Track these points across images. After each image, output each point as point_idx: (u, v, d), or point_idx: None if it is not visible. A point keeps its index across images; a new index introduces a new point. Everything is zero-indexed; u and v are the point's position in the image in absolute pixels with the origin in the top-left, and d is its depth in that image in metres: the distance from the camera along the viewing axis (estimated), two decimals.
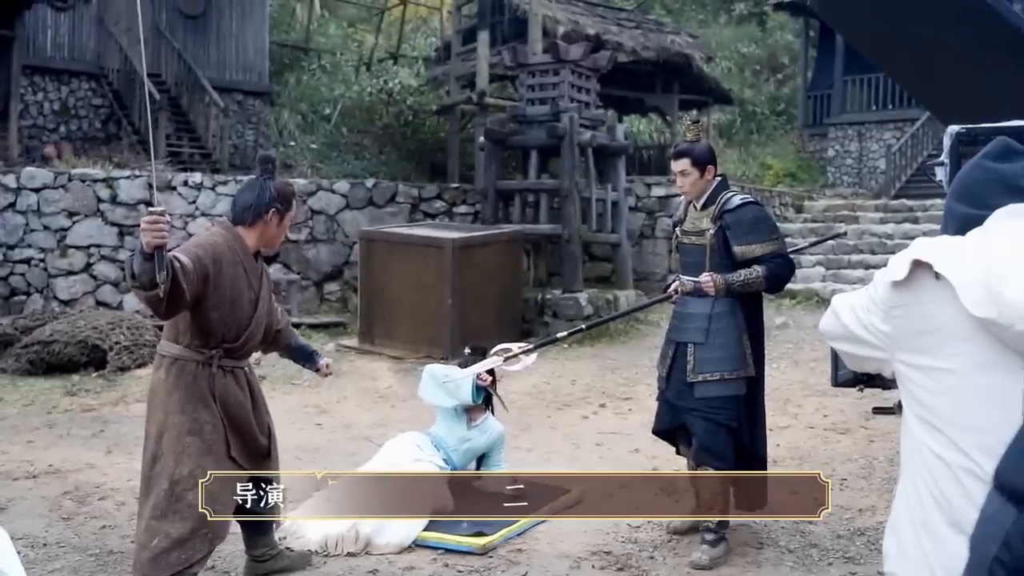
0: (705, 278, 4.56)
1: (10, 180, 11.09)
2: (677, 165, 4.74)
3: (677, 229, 4.93)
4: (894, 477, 5.92)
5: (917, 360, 1.81)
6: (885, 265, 1.89)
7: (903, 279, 1.80)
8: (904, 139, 19.47)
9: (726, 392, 4.59)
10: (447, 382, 5.48)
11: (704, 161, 4.69)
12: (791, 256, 4.73)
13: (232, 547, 4.82)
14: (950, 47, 4.13)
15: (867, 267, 13.38)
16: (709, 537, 4.55)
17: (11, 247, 11.02)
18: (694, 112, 22.96)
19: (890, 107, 21.32)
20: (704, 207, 4.74)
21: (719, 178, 4.78)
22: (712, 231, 4.65)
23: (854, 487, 5.85)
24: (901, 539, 1.81)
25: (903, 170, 18.89)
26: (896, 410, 2.33)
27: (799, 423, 7.47)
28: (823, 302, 12.39)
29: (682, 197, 4.93)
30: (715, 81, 19.90)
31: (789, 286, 12.98)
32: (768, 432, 7.15)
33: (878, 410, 2.97)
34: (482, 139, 12.81)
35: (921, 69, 4.63)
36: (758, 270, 4.50)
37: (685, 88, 19.31)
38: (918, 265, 1.79)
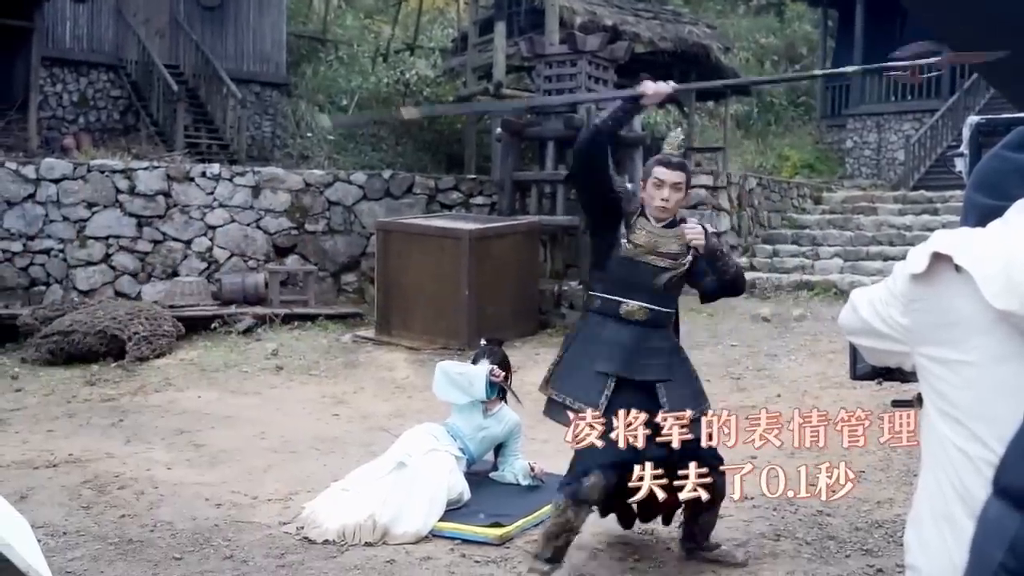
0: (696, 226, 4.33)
1: (30, 171, 11.15)
2: (673, 176, 4.29)
3: (625, 241, 4.30)
4: (912, 470, 5.90)
5: (938, 353, 1.80)
6: (904, 257, 1.88)
7: (923, 272, 1.79)
8: (923, 130, 19.35)
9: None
10: (460, 378, 5.50)
11: (690, 181, 4.48)
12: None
13: (248, 536, 4.85)
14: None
15: (885, 259, 13.30)
16: None
17: (31, 238, 11.08)
18: (711, 103, 22.89)
19: (909, 98, 21.20)
20: (669, 226, 4.34)
21: None
22: (688, 258, 4.32)
23: (872, 479, 5.82)
24: (922, 532, 1.80)
25: (922, 161, 18.78)
26: (915, 403, 2.32)
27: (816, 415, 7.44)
28: (841, 294, 12.33)
29: (639, 207, 4.39)
30: (733, 72, 19.81)
31: (807, 277, 13.06)
32: (786, 423, 7.17)
33: (897, 403, 2.95)
34: (499, 130, 12.79)
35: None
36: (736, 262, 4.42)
37: (702, 79, 19.23)
38: (938, 257, 1.77)
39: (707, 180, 13.62)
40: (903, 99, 21.36)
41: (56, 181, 11.23)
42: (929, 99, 20.53)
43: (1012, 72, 4.20)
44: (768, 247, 14.50)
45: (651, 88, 4.11)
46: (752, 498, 5.48)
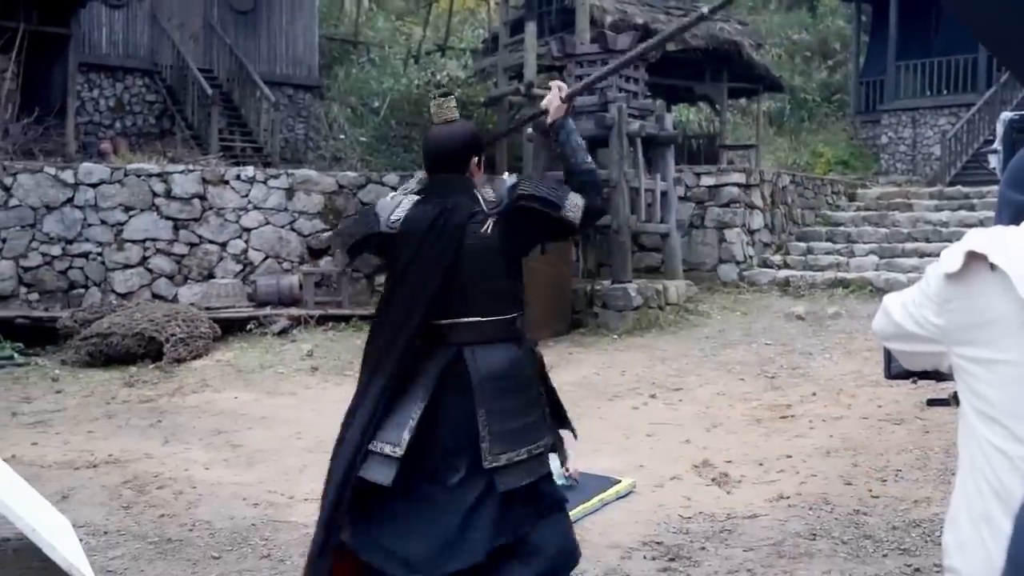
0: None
1: (68, 176, 11.30)
2: None
3: None
4: (950, 468, 5.85)
5: (974, 353, 1.79)
6: (939, 254, 1.87)
7: (957, 271, 1.78)
8: (959, 125, 19.13)
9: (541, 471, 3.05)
10: None
11: None
12: None
13: (286, 535, 4.90)
14: None
15: (921, 255, 13.17)
16: None
17: (70, 241, 11.24)
18: (743, 100, 22.76)
19: (945, 92, 20.97)
20: None
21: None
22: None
23: (909, 478, 5.78)
24: (960, 533, 1.80)
25: (958, 156, 18.57)
26: (951, 401, 2.30)
27: (852, 414, 7.39)
28: (876, 291, 12.24)
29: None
30: (765, 68, 19.69)
31: (841, 275, 12.97)
32: (821, 422, 7.14)
33: (933, 402, 2.93)
34: (530, 130, 12.81)
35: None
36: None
37: (734, 76, 19.14)
38: (972, 256, 1.76)
39: (739, 178, 13.56)
40: (939, 93, 21.13)
41: (94, 185, 11.38)
42: (965, 93, 20.31)
43: None
44: (802, 245, 14.41)
45: (549, 103, 3.32)
46: (788, 497, 5.47)
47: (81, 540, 4.67)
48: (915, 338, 1.93)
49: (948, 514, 1.86)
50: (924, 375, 2.56)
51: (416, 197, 3.14)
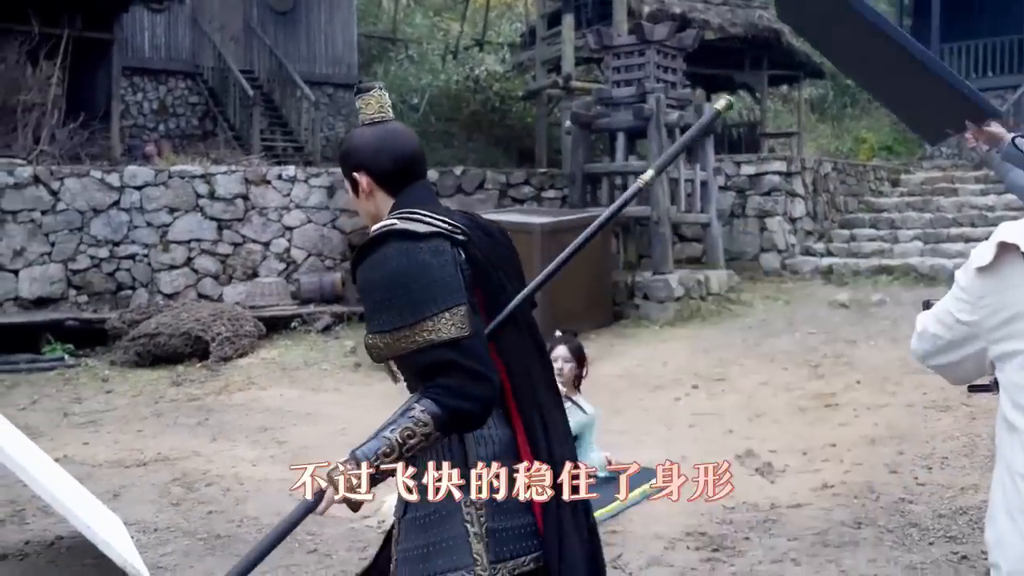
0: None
1: (114, 179, 11.48)
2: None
3: None
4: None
5: (1010, 347, 1.78)
6: (987, 238, 1.86)
7: (989, 263, 1.78)
8: (1006, 107, 18.80)
9: None
10: None
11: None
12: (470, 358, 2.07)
13: (332, 530, 4.96)
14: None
15: (967, 240, 12.97)
16: None
17: (116, 244, 11.41)
18: (784, 88, 22.55)
19: (990, 74, 20.63)
20: None
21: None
22: None
23: (955, 465, 5.72)
24: (998, 529, 1.79)
25: None
26: (993, 388, 2.29)
27: (897, 401, 7.33)
28: (921, 277, 12.10)
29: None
30: (805, 55, 19.47)
31: (886, 261, 12.82)
32: (866, 411, 7.08)
33: (975, 388, 2.91)
34: (568, 123, 12.80)
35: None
36: (418, 413, 2.05)
37: (774, 64, 18.97)
38: (1004, 248, 1.76)
39: (781, 166, 13.46)
40: (985, 75, 20.78)
41: (139, 188, 11.55)
42: (1012, 74, 19.97)
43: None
44: (845, 232, 14.27)
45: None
46: (832, 486, 5.44)
47: (132, 537, 4.77)
48: (954, 345, 1.92)
49: (988, 510, 1.86)
50: None
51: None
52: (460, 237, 2.13)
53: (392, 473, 2.06)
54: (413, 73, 20.27)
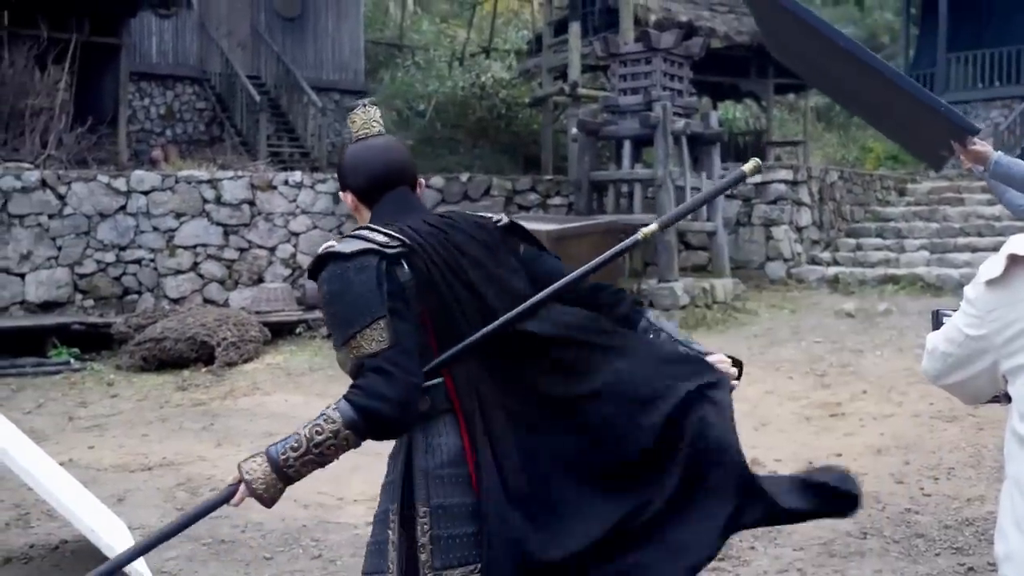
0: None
1: (120, 184, 11.51)
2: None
3: None
4: (1004, 466, 5.75)
5: (1021, 360, 1.78)
6: (994, 249, 1.86)
7: (999, 276, 1.77)
8: (1012, 117, 18.79)
9: None
10: None
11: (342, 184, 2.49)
12: (390, 364, 2.12)
13: (336, 536, 4.96)
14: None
15: (974, 250, 12.97)
16: None
17: (123, 248, 11.43)
18: (791, 96, 22.55)
19: (997, 84, 20.61)
20: None
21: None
22: None
23: (962, 476, 5.71)
24: (1008, 543, 1.78)
25: (1011, 149, 18.24)
26: (1002, 398, 2.28)
27: (903, 411, 7.31)
28: (927, 287, 12.08)
29: None
30: None
31: (892, 271, 12.81)
32: (872, 420, 7.07)
33: None
34: (575, 130, 12.81)
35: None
36: (331, 415, 2.14)
37: (781, 72, 18.95)
38: (1014, 261, 1.75)
39: (787, 175, 13.45)
40: (991, 85, 20.77)
41: (146, 193, 11.57)
42: (1018, 84, 19.95)
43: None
44: (851, 241, 14.26)
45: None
46: None
47: (136, 542, 4.76)
48: (965, 362, 1.91)
49: (997, 524, 1.85)
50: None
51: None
52: (395, 251, 2.17)
53: (307, 472, 2.13)
54: (420, 80, 20.29)
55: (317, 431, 2.12)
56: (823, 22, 3.90)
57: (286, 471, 2.13)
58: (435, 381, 2.17)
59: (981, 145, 3.95)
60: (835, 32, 3.85)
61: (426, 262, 2.19)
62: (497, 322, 2.18)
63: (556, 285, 2.25)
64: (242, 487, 2.16)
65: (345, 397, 2.13)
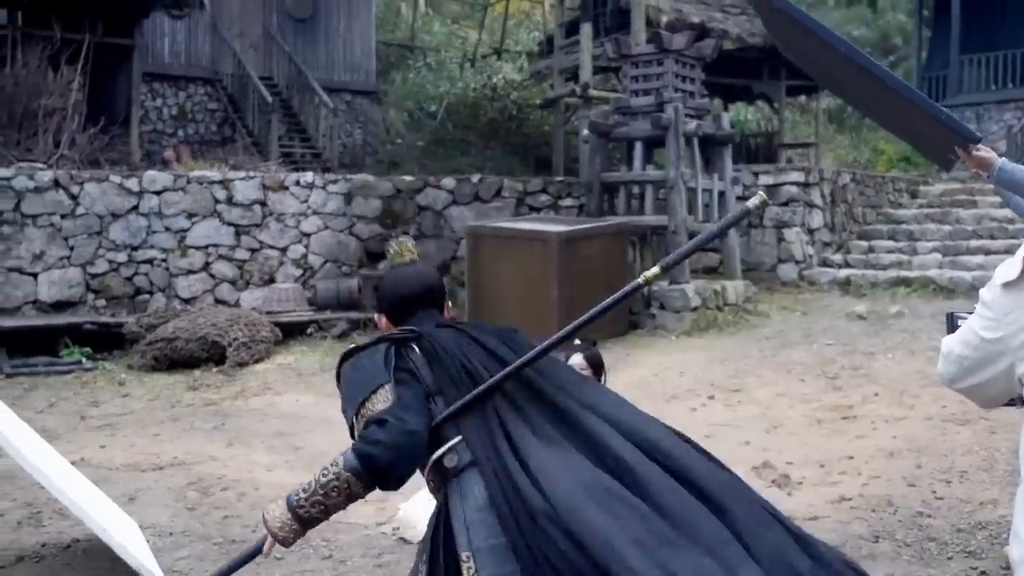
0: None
1: (133, 184, 11.54)
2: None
3: None
4: (1017, 469, 5.71)
5: None
6: (1007, 252, 1.85)
7: (1016, 279, 1.76)
8: None
9: None
10: None
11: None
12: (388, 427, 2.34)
13: (346, 536, 4.96)
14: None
15: (987, 253, 12.91)
16: None
17: (135, 248, 11.47)
18: (803, 98, 22.48)
19: (1010, 86, 20.52)
20: None
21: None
22: None
23: (975, 479, 5.68)
24: None
25: None
26: (1017, 402, 2.27)
27: (916, 414, 7.28)
28: (940, 289, 12.03)
29: None
30: None
31: (904, 273, 12.75)
32: (884, 423, 7.04)
33: None
34: (586, 132, 12.80)
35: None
36: (338, 460, 2.38)
37: (793, 74, 18.89)
38: None
39: (799, 177, 13.42)
40: (1004, 87, 20.68)
41: (158, 193, 11.61)
42: None
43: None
44: (863, 243, 14.21)
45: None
46: (850, 499, 5.41)
47: (148, 541, 4.78)
48: (981, 365, 1.90)
49: (1012, 527, 1.84)
50: None
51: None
52: (406, 336, 2.55)
53: (316, 513, 2.38)
54: (431, 81, 20.32)
55: (324, 474, 2.37)
56: (818, 24, 3.92)
57: (298, 511, 2.38)
58: (455, 440, 2.38)
59: (985, 151, 4.02)
60: (832, 35, 3.87)
61: (433, 343, 2.50)
62: (490, 380, 2.42)
63: (536, 350, 2.50)
64: (268, 536, 2.44)
65: (351, 447, 2.36)
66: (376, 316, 2.82)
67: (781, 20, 4.29)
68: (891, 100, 3.99)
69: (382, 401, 2.39)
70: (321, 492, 2.36)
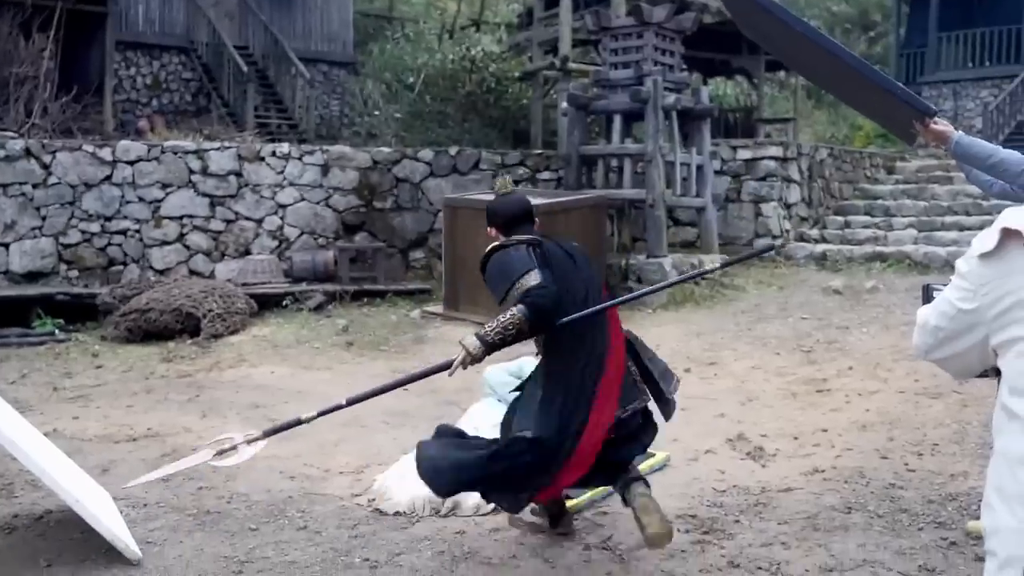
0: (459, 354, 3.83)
1: (106, 153, 11.41)
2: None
3: None
4: (988, 442, 5.76)
5: (1012, 333, 1.77)
6: (981, 228, 1.85)
7: (992, 250, 1.76)
8: (1002, 97, 18.81)
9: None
10: (513, 368, 5.54)
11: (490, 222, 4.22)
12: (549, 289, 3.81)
13: (322, 507, 4.95)
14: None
15: (961, 228, 13.01)
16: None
17: (108, 219, 11.36)
18: (781, 73, 22.50)
19: (987, 63, 20.62)
20: None
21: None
22: None
23: (946, 452, 5.73)
24: (995, 516, 1.78)
25: (1001, 129, 18.28)
26: (990, 372, 2.28)
27: (889, 388, 7.33)
28: (915, 265, 12.12)
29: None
30: None
31: (880, 249, 12.83)
32: (858, 396, 7.09)
33: None
34: (565, 104, 12.76)
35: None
36: (513, 310, 3.74)
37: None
38: (1007, 234, 1.74)
39: (777, 151, 13.44)
40: (981, 65, 20.77)
41: (131, 163, 11.48)
42: (1008, 64, 19.96)
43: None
44: (839, 219, 14.28)
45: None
46: (823, 471, 5.45)
47: (121, 512, 4.75)
48: (956, 335, 1.90)
49: (984, 498, 1.85)
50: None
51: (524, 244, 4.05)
52: (531, 240, 4.06)
53: (498, 339, 3.74)
54: (409, 52, 20.15)
55: (504, 316, 3.75)
56: (775, 4, 3.92)
57: (486, 339, 3.75)
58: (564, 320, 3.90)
59: (943, 125, 4.10)
60: (788, 15, 3.89)
61: (545, 249, 4.00)
62: (604, 304, 4.03)
63: (625, 297, 4.61)
64: (460, 354, 3.77)
65: (520, 301, 3.75)
66: (489, 229, 4.19)
67: (741, 1, 4.31)
68: (852, 78, 4.04)
69: (533, 279, 3.80)
70: (501, 327, 3.73)
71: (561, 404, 3.84)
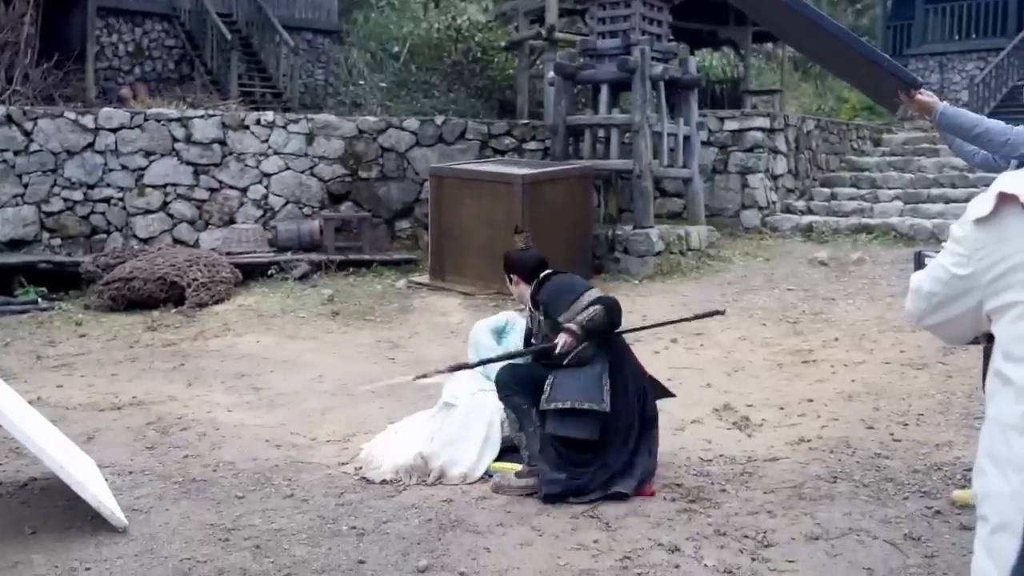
0: (560, 339, 4.73)
1: (88, 121, 11.29)
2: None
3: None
4: (972, 412, 5.82)
5: (1007, 298, 1.76)
6: (967, 200, 1.83)
7: (988, 215, 1.75)
8: (988, 69, 18.82)
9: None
10: (497, 324, 5.58)
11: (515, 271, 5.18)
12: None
13: (308, 476, 4.94)
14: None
15: (947, 201, 13.03)
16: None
17: (91, 187, 11.25)
18: (768, 45, 22.42)
19: (973, 36, 20.62)
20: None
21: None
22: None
23: (931, 422, 5.76)
24: (987, 481, 1.78)
25: (986, 102, 18.29)
26: (982, 339, 2.27)
27: (874, 358, 7.36)
28: (900, 237, 12.14)
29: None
30: None
31: (866, 220, 12.85)
32: (843, 367, 7.12)
33: None
34: (552, 74, 12.67)
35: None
36: (597, 306, 4.76)
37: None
38: (1003, 199, 1.73)
39: (763, 123, 13.41)
40: (967, 37, 20.75)
41: (114, 130, 11.37)
42: (995, 37, 19.96)
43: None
44: (826, 190, 14.28)
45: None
46: (809, 440, 5.47)
47: (106, 480, 4.73)
48: (950, 300, 1.89)
49: (975, 464, 1.84)
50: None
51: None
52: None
53: (594, 332, 4.70)
54: (394, 21, 20.02)
55: (591, 311, 4.71)
56: None
57: (583, 324, 4.67)
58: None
59: (927, 96, 4.14)
60: None
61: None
62: (641, 327, 5.55)
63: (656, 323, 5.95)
64: (566, 338, 4.67)
65: (596, 304, 4.75)
66: (511, 279, 5.13)
67: None
68: (839, 49, 4.05)
69: (588, 298, 4.78)
70: (587, 318, 4.67)
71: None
